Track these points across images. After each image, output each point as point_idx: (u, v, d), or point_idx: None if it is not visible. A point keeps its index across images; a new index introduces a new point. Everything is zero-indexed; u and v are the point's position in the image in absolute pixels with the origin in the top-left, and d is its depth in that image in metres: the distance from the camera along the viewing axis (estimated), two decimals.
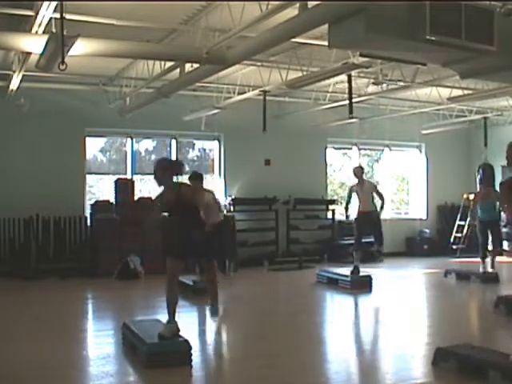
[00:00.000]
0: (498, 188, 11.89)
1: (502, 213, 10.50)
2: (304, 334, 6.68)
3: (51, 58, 6.22)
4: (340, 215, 14.45)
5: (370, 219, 9.93)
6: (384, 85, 10.65)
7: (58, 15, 5.78)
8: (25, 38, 6.65)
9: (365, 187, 10.05)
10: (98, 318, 8.03)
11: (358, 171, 10.18)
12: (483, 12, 5.11)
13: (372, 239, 10.40)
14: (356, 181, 10.15)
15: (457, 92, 11.58)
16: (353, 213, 10.29)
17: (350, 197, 10.32)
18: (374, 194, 10.07)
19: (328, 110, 12.63)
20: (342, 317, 7.89)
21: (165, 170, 5.73)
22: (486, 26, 5.08)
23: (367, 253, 11.48)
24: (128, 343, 5.70)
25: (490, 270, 10.42)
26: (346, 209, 10.30)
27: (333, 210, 13.93)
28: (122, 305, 8.68)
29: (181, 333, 5.54)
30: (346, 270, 10.15)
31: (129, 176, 12.56)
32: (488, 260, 10.65)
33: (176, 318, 5.54)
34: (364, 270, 10.22)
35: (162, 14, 7.49)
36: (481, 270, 10.42)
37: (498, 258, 10.85)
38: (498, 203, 10.63)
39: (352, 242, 10.77)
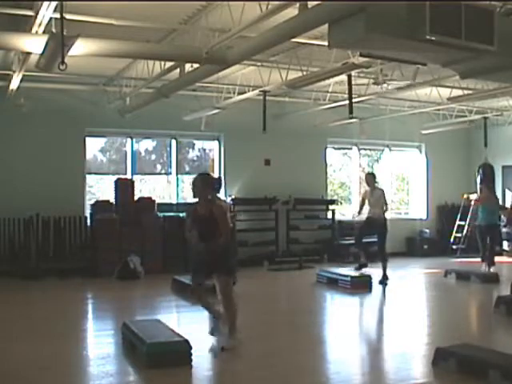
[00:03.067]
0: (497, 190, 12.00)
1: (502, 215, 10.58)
2: (304, 334, 6.69)
3: (51, 58, 6.22)
4: (340, 215, 14.49)
5: (375, 226, 10.09)
6: (384, 85, 10.64)
7: (58, 15, 5.78)
8: (25, 37, 6.64)
9: (375, 194, 10.20)
10: (98, 318, 8.03)
11: (370, 179, 10.39)
12: (483, 12, 5.10)
13: (373, 239, 10.44)
14: (367, 187, 10.38)
15: (457, 92, 11.58)
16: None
17: (362, 205, 10.47)
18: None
19: (328, 109, 12.62)
20: (341, 317, 7.89)
21: (207, 185, 5.76)
22: (486, 25, 5.08)
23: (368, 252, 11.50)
24: (128, 343, 5.70)
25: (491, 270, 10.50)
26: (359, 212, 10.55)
27: (333, 210, 13.92)
28: (122, 305, 8.68)
29: (181, 333, 5.56)
30: (346, 270, 10.17)
31: (129, 176, 12.56)
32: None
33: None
34: (364, 270, 10.22)
35: (162, 14, 7.49)
36: (485, 270, 10.49)
37: (497, 258, 10.89)
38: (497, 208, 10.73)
39: (352, 242, 10.80)
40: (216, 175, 5.78)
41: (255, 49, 6.90)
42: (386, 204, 10.21)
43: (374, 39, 5.00)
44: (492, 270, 10.83)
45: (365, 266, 10.20)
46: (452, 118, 14.25)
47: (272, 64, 9.81)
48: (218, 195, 6.74)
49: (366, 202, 10.33)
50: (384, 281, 10.00)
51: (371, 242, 10.69)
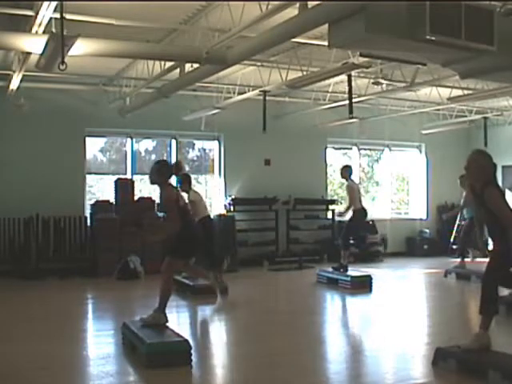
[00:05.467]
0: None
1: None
2: (304, 334, 6.69)
3: (51, 58, 6.21)
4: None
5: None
6: (384, 85, 10.64)
7: (58, 15, 5.78)
8: (25, 37, 6.64)
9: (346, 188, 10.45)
10: (98, 318, 8.03)
11: (343, 171, 10.42)
12: (483, 12, 5.10)
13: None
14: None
15: (457, 92, 11.58)
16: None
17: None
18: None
19: (328, 110, 12.63)
20: (341, 317, 7.89)
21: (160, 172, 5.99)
22: (486, 25, 5.08)
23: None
24: (128, 343, 5.70)
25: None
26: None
27: (333, 210, 13.91)
28: (122, 305, 8.68)
29: (181, 333, 5.55)
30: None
31: (129, 176, 12.56)
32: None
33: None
34: (364, 270, 10.24)
35: (162, 14, 7.50)
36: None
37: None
38: None
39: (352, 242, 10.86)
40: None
41: (255, 49, 6.89)
42: (351, 197, 10.19)
43: (374, 39, 5.00)
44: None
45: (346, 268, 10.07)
46: (452, 117, 14.25)
47: (272, 64, 9.81)
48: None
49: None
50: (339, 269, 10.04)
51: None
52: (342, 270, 9.94)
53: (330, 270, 10.15)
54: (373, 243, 13.83)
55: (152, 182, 6.17)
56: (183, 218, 5.91)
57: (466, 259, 10.78)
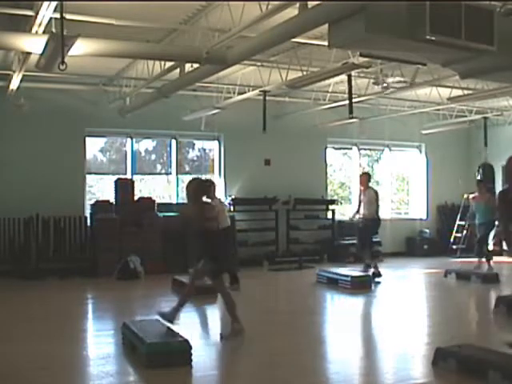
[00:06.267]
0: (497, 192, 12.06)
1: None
2: (304, 334, 6.68)
3: (51, 58, 6.22)
4: (340, 215, 14.48)
5: (365, 226, 10.38)
6: (384, 85, 10.65)
7: (58, 15, 5.78)
8: (25, 37, 6.65)
9: (367, 194, 10.35)
10: (98, 318, 8.03)
11: (364, 179, 10.56)
12: (483, 12, 5.10)
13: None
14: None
15: (457, 92, 11.58)
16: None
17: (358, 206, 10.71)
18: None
19: (328, 110, 12.63)
20: (341, 317, 7.88)
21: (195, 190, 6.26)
22: (486, 25, 5.08)
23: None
24: (128, 343, 5.70)
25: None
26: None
27: (333, 210, 13.92)
28: (122, 305, 8.68)
29: (181, 333, 5.55)
30: (346, 270, 10.17)
31: (129, 176, 12.56)
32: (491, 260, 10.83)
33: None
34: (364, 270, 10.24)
35: (162, 13, 7.50)
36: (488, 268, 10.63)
37: (497, 258, 10.93)
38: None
39: (353, 242, 10.92)
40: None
41: (255, 49, 6.90)
42: (377, 205, 10.30)
43: (374, 39, 5.00)
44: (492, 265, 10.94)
45: (369, 266, 10.31)
46: (452, 117, 14.25)
47: (272, 64, 9.82)
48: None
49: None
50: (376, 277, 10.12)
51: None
52: (371, 270, 10.16)
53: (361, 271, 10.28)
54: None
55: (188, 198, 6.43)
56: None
57: (482, 259, 10.92)
